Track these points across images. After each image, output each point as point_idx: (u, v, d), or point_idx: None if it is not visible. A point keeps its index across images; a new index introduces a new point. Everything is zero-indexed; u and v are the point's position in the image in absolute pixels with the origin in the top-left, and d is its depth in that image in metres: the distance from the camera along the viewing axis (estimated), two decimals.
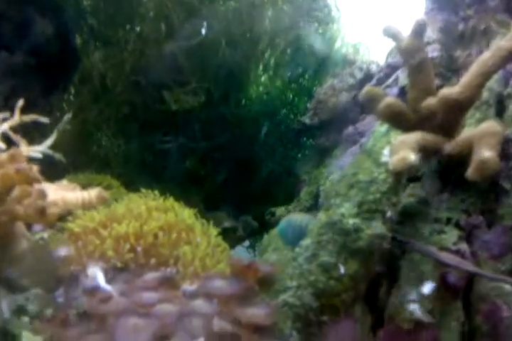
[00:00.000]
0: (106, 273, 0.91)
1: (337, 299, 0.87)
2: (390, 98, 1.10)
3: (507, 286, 0.90)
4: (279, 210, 1.88)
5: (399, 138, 1.03)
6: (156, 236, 1.04)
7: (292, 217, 1.04)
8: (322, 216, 0.97)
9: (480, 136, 0.92)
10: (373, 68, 2.04)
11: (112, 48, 1.66)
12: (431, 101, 1.08)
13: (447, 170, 1.13)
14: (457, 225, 1.02)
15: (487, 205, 1.05)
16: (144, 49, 1.64)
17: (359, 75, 2.01)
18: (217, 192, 2.00)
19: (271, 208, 1.91)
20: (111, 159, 1.72)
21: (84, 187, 1.55)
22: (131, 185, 1.49)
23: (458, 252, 0.96)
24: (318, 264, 0.90)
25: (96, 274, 0.87)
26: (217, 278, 0.92)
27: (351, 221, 0.92)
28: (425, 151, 1.02)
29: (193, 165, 1.81)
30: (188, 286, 0.91)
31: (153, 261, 0.99)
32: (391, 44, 2.08)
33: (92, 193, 1.43)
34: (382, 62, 2.08)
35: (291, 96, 2.32)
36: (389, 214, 0.94)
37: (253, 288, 0.91)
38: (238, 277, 0.92)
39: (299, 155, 2.25)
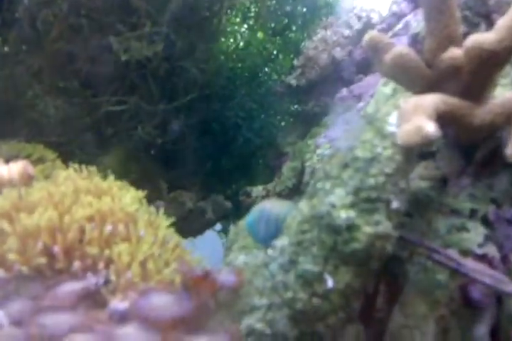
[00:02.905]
0: (5, 285, 0.71)
1: (321, 324, 0.68)
2: (400, 47, 0.89)
3: None
4: (256, 190, 1.69)
5: (411, 100, 0.82)
6: (82, 230, 0.83)
7: (266, 206, 0.84)
8: (304, 206, 0.77)
9: None
10: (375, 17, 1.81)
11: None
12: (455, 53, 0.87)
13: (470, 146, 0.94)
14: (484, 220, 0.83)
15: None
16: None
17: (357, 25, 1.78)
18: (181, 166, 1.79)
19: (246, 187, 1.71)
20: (45, 124, 1.48)
21: (10, 159, 1.33)
22: (71, 158, 1.27)
23: (484, 257, 0.78)
24: (297, 275, 0.70)
25: None
26: (158, 292, 0.72)
27: (344, 214, 0.72)
28: (444, 120, 0.82)
29: (150, 133, 1.58)
30: (118, 303, 0.71)
31: (76, 265, 0.78)
32: None
33: (14, 168, 1.22)
34: (385, 11, 1.86)
35: (274, 51, 2.09)
36: (395, 204, 0.75)
37: (208, 308, 0.71)
38: (189, 291, 0.73)
39: (282, 124, 2.03)
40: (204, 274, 0.72)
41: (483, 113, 0.83)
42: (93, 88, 1.52)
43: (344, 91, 1.69)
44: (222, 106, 1.86)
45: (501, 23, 0.82)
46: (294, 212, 0.80)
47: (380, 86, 1.16)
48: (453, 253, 0.74)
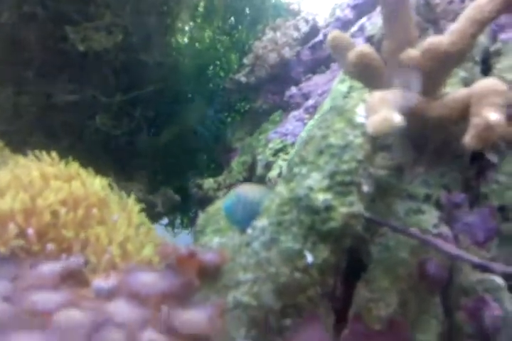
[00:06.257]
0: None
1: (303, 296, 0.72)
2: (364, 46, 0.95)
3: (497, 279, 0.81)
4: (208, 182, 1.70)
5: (376, 94, 0.88)
6: (55, 213, 0.81)
7: (242, 190, 0.86)
8: (283, 189, 0.81)
9: (480, 95, 0.80)
10: (320, 22, 1.89)
11: None
12: (412, 54, 0.95)
13: (420, 138, 1.02)
14: (437, 204, 0.91)
15: (469, 181, 0.95)
16: None
17: (304, 28, 1.84)
18: (130, 159, 1.75)
19: (197, 180, 1.72)
20: None
21: None
22: (20, 147, 1.22)
23: (440, 236, 0.86)
24: (279, 251, 0.74)
25: None
26: (143, 270, 0.73)
27: (321, 196, 0.77)
28: (403, 113, 0.89)
29: (106, 124, 1.53)
30: (101, 282, 0.71)
31: (51, 247, 0.77)
32: None
33: None
34: (327, 15, 1.95)
35: (221, 50, 2.11)
36: (365, 187, 0.80)
37: (193, 284, 0.73)
38: (173, 269, 0.74)
39: (230, 119, 2.06)
40: (190, 253, 0.73)
41: (439, 107, 0.91)
42: (47, 77, 1.46)
43: (293, 90, 1.74)
44: (174, 100, 1.85)
45: (455, 27, 0.90)
46: (269, 196, 0.83)
47: (337, 84, 1.22)
48: (415, 231, 0.81)
